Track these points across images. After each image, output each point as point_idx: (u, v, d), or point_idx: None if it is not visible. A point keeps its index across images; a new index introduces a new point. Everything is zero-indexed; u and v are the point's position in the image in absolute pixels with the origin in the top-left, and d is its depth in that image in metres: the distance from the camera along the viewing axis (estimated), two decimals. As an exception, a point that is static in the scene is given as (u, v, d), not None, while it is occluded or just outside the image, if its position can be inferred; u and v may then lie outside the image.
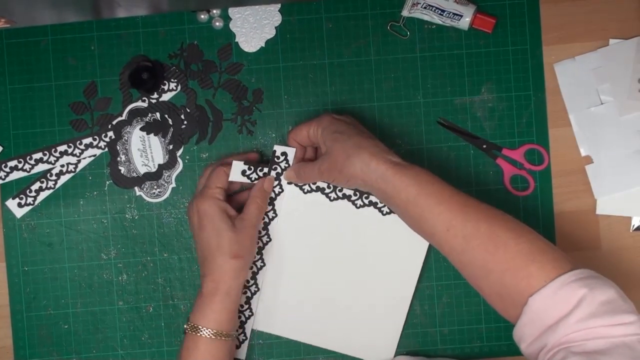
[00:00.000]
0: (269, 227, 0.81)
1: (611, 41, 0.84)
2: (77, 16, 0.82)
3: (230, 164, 0.79)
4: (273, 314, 0.83)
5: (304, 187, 0.80)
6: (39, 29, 0.84)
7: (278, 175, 0.80)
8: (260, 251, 0.81)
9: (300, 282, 0.83)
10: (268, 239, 0.81)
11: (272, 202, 0.80)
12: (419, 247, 0.80)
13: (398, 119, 0.84)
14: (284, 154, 0.79)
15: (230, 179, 0.79)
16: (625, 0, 0.84)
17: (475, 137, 0.84)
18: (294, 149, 0.79)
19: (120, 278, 0.84)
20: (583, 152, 0.85)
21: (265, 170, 0.79)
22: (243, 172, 0.79)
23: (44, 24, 0.83)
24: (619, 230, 0.85)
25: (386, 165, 0.71)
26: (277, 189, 0.80)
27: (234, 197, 0.82)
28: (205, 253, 0.76)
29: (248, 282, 0.81)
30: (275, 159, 0.79)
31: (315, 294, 0.83)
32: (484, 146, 0.84)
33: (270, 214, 0.80)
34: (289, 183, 0.80)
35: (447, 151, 0.84)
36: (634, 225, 0.85)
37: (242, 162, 0.79)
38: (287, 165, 0.79)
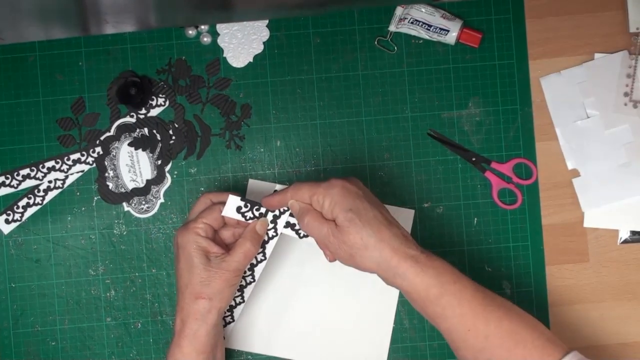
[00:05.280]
0: (255, 268, 0.77)
1: (596, 55, 0.85)
2: (64, 33, 0.82)
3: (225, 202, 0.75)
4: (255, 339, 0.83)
5: (300, 231, 0.75)
6: (26, 45, 0.83)
7: (275, 217, 0.75)
8: (241, 289, 0.78)
9: (282, 307, 0.83)
10: (252, 279, 0.78)
11: (263, 244, 0.76)
12: None
13: (386, 133, 0.85)
14: None
15: (224, 213, 0.74)
16: (610, 15, 0.85)
17: (464, 150, 0.85)
18: None
19: (108, 294, 0.84)
20: (570, 166, 0.85)
21: (263, 210, 0.75)
22: (238, 209, 0.75)
23: (32, 41, 0.83)
24: (606, 243, 0.85)
25: (407, 263, 0.68)
26: (270, 232, 0.75)
27: (224, 231, 0.76)
28: (178, 287, 0.74)
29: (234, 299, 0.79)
30: None
31: (298, 318, 0.83)
32: (473, 159, 0.85)
33: (259, 257, 0.77)
34: (285, 227, 0.75)
35: (435, 165, 0.85)
36: (621, 238, 0.85)
37: (238, 198, 0.74)
38: (285, 208, 0.75)
